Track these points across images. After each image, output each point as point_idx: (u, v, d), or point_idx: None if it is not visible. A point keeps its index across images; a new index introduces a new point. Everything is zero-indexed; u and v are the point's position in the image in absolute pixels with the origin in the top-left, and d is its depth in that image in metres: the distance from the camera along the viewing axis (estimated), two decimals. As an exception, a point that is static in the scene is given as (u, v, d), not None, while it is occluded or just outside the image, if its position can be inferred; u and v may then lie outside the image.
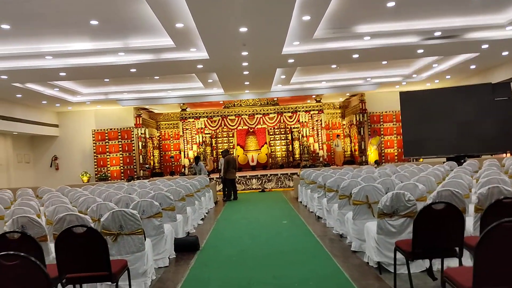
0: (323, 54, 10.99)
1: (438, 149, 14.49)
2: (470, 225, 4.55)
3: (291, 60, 11.40)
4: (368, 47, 10.63)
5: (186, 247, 6.16)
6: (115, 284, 3.60)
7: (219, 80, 13.67)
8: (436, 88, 15.75)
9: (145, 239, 4.56)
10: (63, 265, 3.39)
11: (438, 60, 13.57)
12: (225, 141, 20.55)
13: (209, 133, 20.10)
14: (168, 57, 10.41)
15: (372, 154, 17.49)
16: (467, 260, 4.52)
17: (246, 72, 12.60)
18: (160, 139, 20.81)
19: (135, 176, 17.60)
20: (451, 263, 4.51)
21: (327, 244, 6.25)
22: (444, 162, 12.14)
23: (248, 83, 14.43)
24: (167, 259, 5.49)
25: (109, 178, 17.92)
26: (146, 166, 17.09)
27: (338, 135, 19.51)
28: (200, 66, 11.31)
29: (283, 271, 4.99)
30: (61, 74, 11.06)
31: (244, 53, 10.29)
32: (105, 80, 13.56)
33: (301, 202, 11.43)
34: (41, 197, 8.71)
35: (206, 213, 10.40)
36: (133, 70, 11.17)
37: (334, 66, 13.94)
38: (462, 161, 12.71)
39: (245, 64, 11.45)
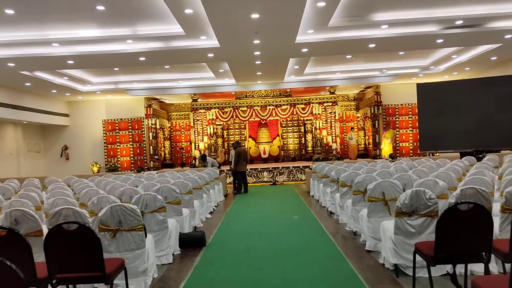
0: (338, 44, 10.59)
1: (455, 143, 13.99)
2: (496, 226, 4.20)
3: (304, 50, 11.01)
4: (385, 36, 10.19)
5: (191, 243, 5.89)
6: (109, 285, 3.33)
7: (231, 70, 13.34)
8: (454, 80, 15.19)
9: (146, 236, 4.29)
10: (53, 264, 3.13)
11: (457, 51, 13.04)
12: (237, 133, 20.26)
13: (220, 125, 19.83)
14: (177, 45, 10.10)
15: (387, 148, 17.02)
16: (493, 265, 4.17)
17: (258, 62, 12.25)
18: (171, 130, 20.60)
19: (145, 167, 17.43)
20: (475, 268, 4.17)
21: (340, 242, 5.93)
22: (462, 157, 11.70)
23: (260, 73, 14.08)
24: (170, 256, 5.22)
25: (119, 169, 17.81)
26: (156, 157, 16.87)
27: (352, 128, 19.06)
28: (210, 55, 10.99)
29: (292, 272, 4.68)
30: (69, 62, 10.84)
31: (256, 42, 9.93)
32: (114, 69, 13.33)
33: (313, 196, 11.10)
34: (47, 188, 8.53)
35: (215, 206, 10.14)
36: (142, 58, 10.89)
37: (349, 56, 13.52)
38: (481, 156, 12.24)
39: (257, 53, 11.10)
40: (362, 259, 5.03)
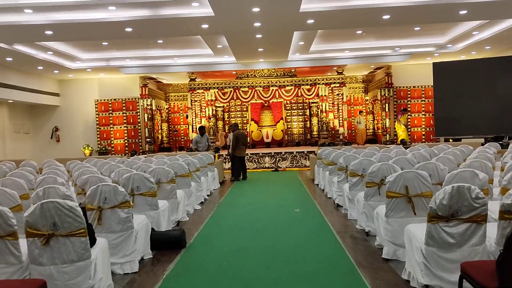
0: (348, 14, 9.38)
1: (473, 128, 12.84)
2: (492, 236, 3.14)
3: (310, 21, 9.80)
4: (402, 5, 8.97)
5: (167, 244, 4.83)
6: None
7: (229, 45, 12.16)
8: (474, 58, 13.89)
9: (93, 243, 3.23)
10: None
11: (479, 26, 11.72)
12: (239, 115, 19.13)
13: (221, 107, 18.69)
14: (167, 14, 8.94)
15: (403, 133, 15.78)
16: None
17: (259, 36, 11.05)
18: (169, 112, 19.51)
19: (140, 151, 16.41)
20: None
21: (349, 246, 4.84)
22: (483, 144, 10.56)
23: (262, 49, 12.87)
24: (136, 263, 4.14)
25: (113, 152, 16.80)
26: (148, 140, 15.78)
27: (361, 111, 17.84)
28: (205, 26, 9.81)
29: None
30: (47, 32, 9.69)
31: (255, 9, 8.72)
32: (103, 43, 12.21)
33: (317, 185, 10.02)
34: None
35: (208, 195, 9.09)
36: (128, 29, 9.74)
37: (359, 32, 12.29)
38: (503, 142, 11.11)
39: (257, 24, 9.89)
40: (378, 271, 3.95)
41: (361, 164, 6.00)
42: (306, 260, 4.39)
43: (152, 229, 4.84)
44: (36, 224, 3.01)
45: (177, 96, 19.43)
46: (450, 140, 14.68)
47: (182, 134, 19.29)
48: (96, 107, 16.97)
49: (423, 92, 16.81)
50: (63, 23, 9.06)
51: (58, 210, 3.00)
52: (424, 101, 16.82)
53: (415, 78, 16.72)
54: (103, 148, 16.02)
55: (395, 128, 16.36)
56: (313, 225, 6.00)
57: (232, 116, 19.07)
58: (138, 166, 6.98)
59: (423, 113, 16.86)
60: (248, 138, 18.62)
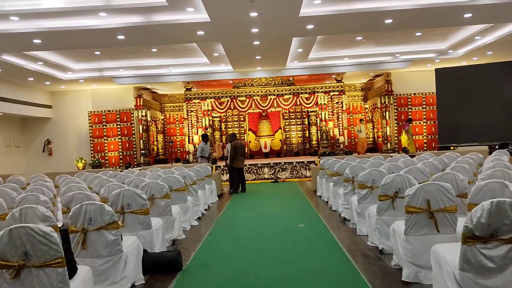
0: (349, 18, 9.04)
1: (478, 135, 12.43)
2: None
3: (310, 26, 9.44)
4: (405, 8, 8.63)
5: (161, 267, 4.36)
6: None
7: (226, 53, 11.78)
8: (479, 63, 13.54)
9: (74, 272, 2.77)
10: None
11: (483, 30, 11.40)
12: (236, 125, 18.73)
13: (217, 117, 18.29)
14: (160, 20, 8.56)
15: (411, 142, 15.28)
16: None
17: (256, 42, 10.67)
18: (165, 123, 19.08)
19: (135, 163, 15.94)
20: None
21: (362, 266, 4.39)
22: (490, 152, 10.17)
23: (260, 57, 12.50)
24: (125, 291, 3.69)
25: (107, 165, 16.32)
26: (143, 152, 15.31)
27: (361, 120, 17.45)
28: (201, 33, 9.42)
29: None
30: (35, 41, 9.29)
31: (253, 14, 8.35)
32: (95, 53, 11.81)
33: (320, 196, 9.57)
34: None
35: (206, 209, 8.62)
36: (121, 37, 9.34)
37: (359, 38, 11.96)
38: (510, 148, 10.73)
39: (255, 30, 9.52)
40: (399, 298, 3.50)
41: (370, 175, 5.57)
42: (315, 284, 3.93)
43: (145, 250, 4.38)
44: (4, 254, 2.56)
45: (173, 107, 19.03)
46: (453, 148, 14.30)
47: (178, 145, 18.85)
48: (89, 119, 16.52)
49: (424, 99, 16.48)
50: (52, 31, 8.67)
51: (30, 236, 2.55)
52: (425, 108, 16.48)
53: (415, 85, 16.40)
54: (96, 161, 15.53)
55: (399, 138, 15.90)
56: (320, 242, 5.55)
57: (229, 126, 18.65)
58: (131, 181, 6.53)
59: (424, 120, 16.51)
60: (246, 148, 18.20)
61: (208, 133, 16.36)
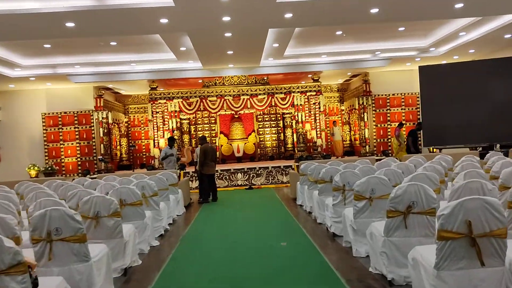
0: (332, 6, 8.08)
1: (464, 137, 11.73)
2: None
3: (288, 15, 8.40)
4: (395, -4, 7.75)
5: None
6: None
7: (194, 47, 10.63)
8: (464, 61, 12.84)
9: None
10: None
11: (468, 26, 10.68)
12: (206, 128, 17.50)
13: (187, 119, 17.05)
14: (116, 3, 7.34)
15: (403, 148, 14.23)
16: None
17: (228, 34, 9.56)
18: (129, 126, 17.68)
19: (95, 170, 14.52)
20: None
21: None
22: (484, 153, 9.40)
23: (232, 52, 11.40)
24: None
25: (64, 172, 14.84)
26: (100, 158, 13.89)
27: (334, 122, 16.56)
28: (164, 21, 8.23)
29: None
30: (-34, 28, 7.91)
31: (224, 0, 7.26)
32: (44, 46, 10.45)
33: (301, 205, 8.52)
34: None
35: (170, 224, 7.42)
36: (70, 24, 8.03)
37: (339, 33, 11.07)
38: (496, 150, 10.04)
39: (226, 19, 8.40)
40: None
41: (368, 184, 4.55)
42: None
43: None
44: None
45: (138, 108, 17.65)
46: (435, 150, 13.58)
47: (144, 150, 17.50)
48: (43, 122, 14.99)
49: (403, 100, 15.77)
50: (-15, 15, 7.32)
51: None
52: (404, 109, 15.78)
53: (394, 86, 15.68)
54: (49, 168, 14.00)
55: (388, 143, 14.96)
56: (310, 268, 4.46)
57: (200, 129, 17.43)
58: (73, 194, 5.29)
59: (404, 122, 15.78)
60: (218, 153, 17.03)
61: (175, 136, 15.15)
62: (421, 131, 13.34)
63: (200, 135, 14.07)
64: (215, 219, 7.82)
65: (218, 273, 4.50)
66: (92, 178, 8.56)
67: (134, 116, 17.66)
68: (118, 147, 16.68)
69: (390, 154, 14.66)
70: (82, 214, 4.39)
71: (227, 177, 12.97)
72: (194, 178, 12.64)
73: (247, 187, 12.63)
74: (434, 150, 13.66)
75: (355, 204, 4.61)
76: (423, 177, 4.54)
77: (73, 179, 13.22)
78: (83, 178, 7.99)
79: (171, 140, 10.90)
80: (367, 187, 4.55)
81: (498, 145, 11.30)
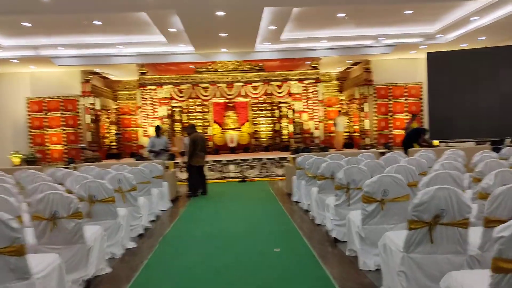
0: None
1: (472, 129, 11.02)
2: None
3: (287, -8, 7.63)
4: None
5: None
6: None
7: (185, 28, 9.85)
8: (477, 47, 12.03)
9: None
10: None
11: (481, 9, 9.91)
12: (199, 117, 16.72)
13: (179, 107, 16.26)
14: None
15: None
16: None
17: (220, 13, 8.77)
18: (119, 113, 16.86)
19: (82, 158, 13.74)
20: None
21: None
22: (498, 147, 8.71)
23: (225, 34, 10.61)
24: None
25: (49, 160, 14.08)
26: (82, 146, 13.07)
27: (339, 111, 15.73)
28: (149, -4, 7.45)
29: None
30: None
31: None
32: (22, 23, 9.62)
33: (297, 202, 7.80)
34: None
35: (153, 220, 6.69)
36: (44, -2, 7.25)
37: (341, 15, 10.29)
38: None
39: (218, -5, 7.63)
40: None
41: (381, 184, 3.81)
42: None
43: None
44: None
45: (128, 95, 16.81)
46: (436, 143, 12.84)
47: (134, 138, 16.71)
48: (27, 107, 14.19)
49: (405, 90, 15.06)
50: None
51: None
52: (407, 100, 15.05)
53: (397, 75, 14.97)
54: (31, 156, 13.22)
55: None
56: (307, 283, 3.74)
57: (192, 118, 16.64)
58: (35, 189, 4.54)
59: (406, 113, 15.07)
60: (211, 142, 16.29)
61: (166, 124, 14.37)
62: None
63: (187, 123, 13.28)
64: (201, 217, 7.07)
65: (197, 283, 3.77)
66: (69, 168, 7.80)
67: (124, 103, 16.85)
68: (107, 135, 15.91)
69: (391, 147, 13.98)
70: (36, 215, 3.67)
71: (219, 169, 12.23)
72: (184, 169, 11.89)
73: (240, 179, 11.89)
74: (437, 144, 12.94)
75: (363, 208, 3.88)
76: (445, 177, 3.82)
77: (57, 167, 12.48)
78: (58, 168, 7.22)
79: (158, 129, 10.12)
80: (378, 188, 3.82)
81: (509, 139, 10.60)
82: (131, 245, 5.15)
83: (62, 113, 14.30)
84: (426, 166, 5.80)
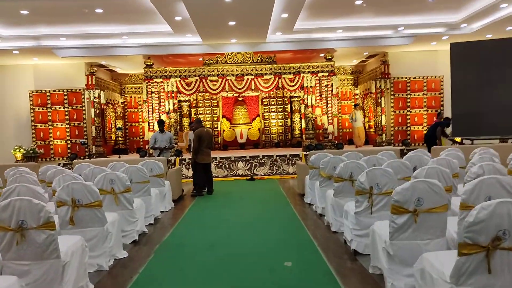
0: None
1: (499, 126, 10.22)
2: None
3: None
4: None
5: None
6: None
7: (191, 16, 9.20)
8: (506, 37, 11.19)
9: None
10: None
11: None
12: (208, 112, 16.14)
13: (187, 101, 15.70)
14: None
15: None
16: None
17: (229, 0, 8.11)
18: (125, 107, 16.35)
19: (86, 154, 13.25)
20: None
21: None
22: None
23: (234, 23, 9.94)
24: None
25: (53, 155, 13.61)
26: (81, 141, 12.48)
27: (356, 105, 14.93)
28: (150, -22, 6.82)
29: None
30: None
31: None
32: (21, 12, 9.10)
33: (310, 204, 7.15)
34: None
35: (151, 223, 6.10)
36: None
37: (359, 2, 9.59)
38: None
39: (225, -23, 6.97)
40: None
41: (414, 191, 3.15)
42: None
43: None
44: None
45: (135, 88, 16.30)
46: (459, 140, 12.06)
47: (141, 133, 16.21)
48: (31, 100, 13.72)
49: (425, 84, 14.26)
50: None
51: None
52: (426, 94, 14.26)
53: (416, 68, 14.17)
54: (31, 151, 12.74)
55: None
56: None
57: (201, 112, 16.06)
58: (11, 191, 3.96)
59: (425, 108, 14.29)
60: (220, 138, 15.71)
61: (173, 119, 13.78)
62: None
63: (195, 118, 12.65)
64: (204, 221, 6.44)
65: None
66: (72, 164, 7.26)
67: (131, 97, 16.33)
68: (113, 130, 15.41)
69: (409, 144, 13.25)
70: (0, 225, 3.07)
71: (227, 166, 11.60)
72: (190, 166, 11.31)
73: (249, 177, 11.26)
74: (459, 140, 12.14)
75: (392, 220, 3.22)
76: (492, 184, 3.13)
77: (59, 163, 11.97)
78: (52, 165, 6.66)
79: (160, 124, 9.52)
80: (411, 196, 3.15)
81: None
82: (123, 254, 4.55)
83: (66, 107, 13.81)
84: (458, 167, 5.11)
